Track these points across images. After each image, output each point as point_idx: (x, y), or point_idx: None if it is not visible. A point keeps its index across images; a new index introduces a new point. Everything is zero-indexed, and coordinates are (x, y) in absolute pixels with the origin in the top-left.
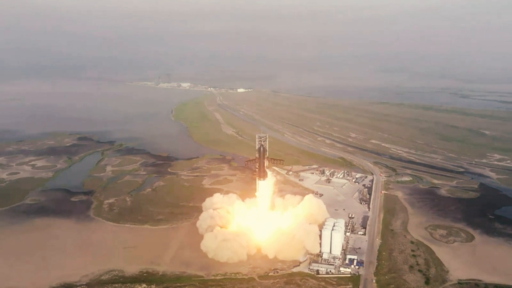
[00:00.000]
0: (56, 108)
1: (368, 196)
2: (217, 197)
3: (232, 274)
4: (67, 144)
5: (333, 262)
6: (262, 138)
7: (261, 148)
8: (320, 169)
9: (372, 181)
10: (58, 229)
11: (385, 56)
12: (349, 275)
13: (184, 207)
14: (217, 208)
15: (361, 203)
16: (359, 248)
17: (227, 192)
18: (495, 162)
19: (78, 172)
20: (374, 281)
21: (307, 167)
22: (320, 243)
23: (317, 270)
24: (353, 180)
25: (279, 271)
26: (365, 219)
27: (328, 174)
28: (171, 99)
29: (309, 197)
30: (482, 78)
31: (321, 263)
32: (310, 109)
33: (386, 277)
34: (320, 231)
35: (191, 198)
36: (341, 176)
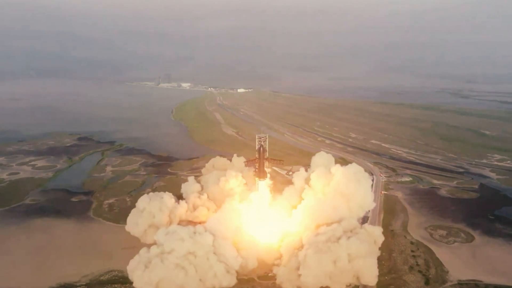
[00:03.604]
0: (56, 108)
1: None
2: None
3: None
4: (67, 144)
5: None
6: (262, 138)
7: (261, 148)
8: None
9: (372, 181)
10: (58, 229)
11: (385, 56)
12: None
13: None
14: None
15: None
16: None
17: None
18: (495, 163)
19: (78, 172)
20: None
21: (307, 167)
22: None
23: None
24: None
25: None
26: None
27: None
28: (171, 99)
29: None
30: (482, 78)
31: None
32: (310, 109)
33: (386, 277)
34: None
35: None
36: None
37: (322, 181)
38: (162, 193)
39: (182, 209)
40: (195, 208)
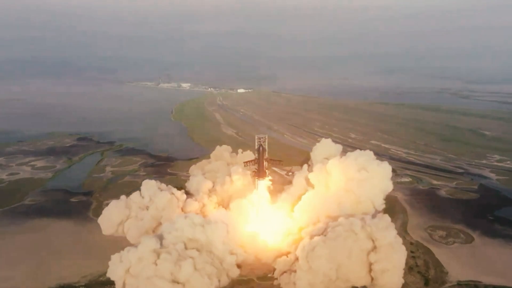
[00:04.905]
0: (56, 108)
1: None
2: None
3: None
4: (67, 145)
5: None
6: (262, 139)
7: (260, 148)
8: None
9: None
10: (57, 229)
11: (385, 56)
12: None
13: None
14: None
15: None
16: None
17: None
18: (495, 163)
19: (78, 172)
20: None
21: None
22: None
23: None
24: None
25: None
26: None
27: None
28: (171, 99)
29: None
30: (482, 79)
31: None
32: (310, 109)
33: None
34: None
35: None
36: None
37: (322, 181)
38: (172, 187)
39: (192, 207)
40: (204, 206)
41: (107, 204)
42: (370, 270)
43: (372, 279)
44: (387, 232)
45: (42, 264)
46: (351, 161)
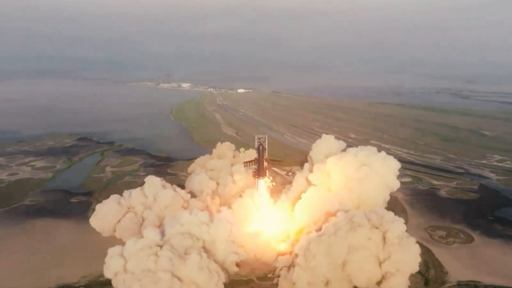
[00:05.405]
0: (56, 108)
1: None
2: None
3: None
4: (67, 145)
5: None
6: (262, 139)
7: (260, 147)
8: None
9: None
10: (57, 230)
11: (385, 57)
12: None
13: None
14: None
15: None
16: None
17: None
18: (495, 163)
19: (78, 172)
20: None
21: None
22: None
23: None
24: None
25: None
26: None
27: None
28: (171, 99)
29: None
30: (482, 79)
31: None
32: (310, 109)
33: None
34: None
35: None
36: None
37: (322, 181)
38: (176, 186)
39: (196, 207)
40: (207, 206)
41: None
42: (380, 268)
43: (379, 279)
44: (395, 224)
45: (42, 264)
46: (351, 157)
